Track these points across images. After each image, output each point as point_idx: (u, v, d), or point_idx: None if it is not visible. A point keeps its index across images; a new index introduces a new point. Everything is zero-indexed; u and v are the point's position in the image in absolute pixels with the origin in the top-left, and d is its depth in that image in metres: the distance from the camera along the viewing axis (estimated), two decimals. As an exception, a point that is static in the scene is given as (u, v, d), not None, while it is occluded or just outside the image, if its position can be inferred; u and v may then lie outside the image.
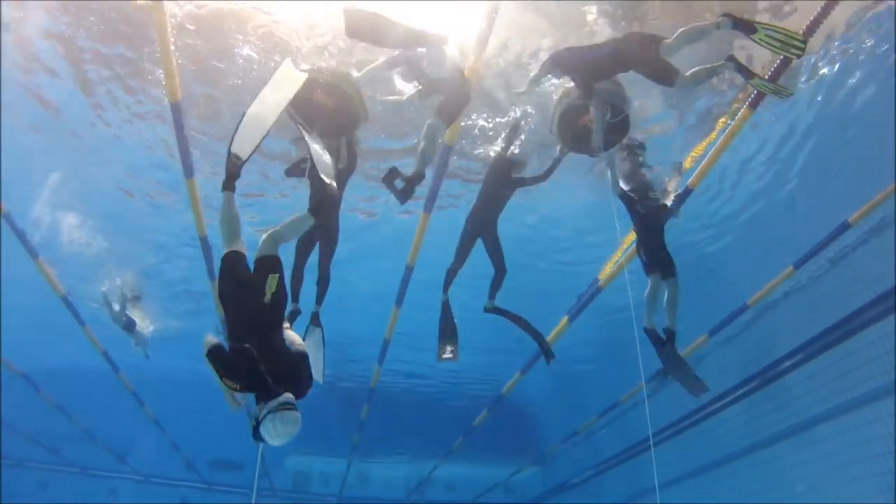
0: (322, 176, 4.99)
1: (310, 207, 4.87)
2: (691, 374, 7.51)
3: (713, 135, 7.16)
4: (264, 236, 4.73)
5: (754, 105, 6.05)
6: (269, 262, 4.67)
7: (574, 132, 6.67)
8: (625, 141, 6.92)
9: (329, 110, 6.25)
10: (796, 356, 9.83)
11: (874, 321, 8.36)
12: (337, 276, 7.22)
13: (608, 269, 8.36)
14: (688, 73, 5.71)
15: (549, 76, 6.48)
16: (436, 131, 5.88)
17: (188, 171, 6.72)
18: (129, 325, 12.28)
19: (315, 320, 7.41)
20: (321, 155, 5.09)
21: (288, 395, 4.11)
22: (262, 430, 4.05)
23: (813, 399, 9.52)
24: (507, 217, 7.66)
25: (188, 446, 19.43)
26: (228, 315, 4.53)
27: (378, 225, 10.64)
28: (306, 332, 7.45)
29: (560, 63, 6.21)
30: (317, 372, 7.47)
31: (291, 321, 7.16)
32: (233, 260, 4.61)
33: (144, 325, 12.74)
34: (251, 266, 4.66)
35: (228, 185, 4.79)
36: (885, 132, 7.86)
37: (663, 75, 5.75)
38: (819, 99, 8.03)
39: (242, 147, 4.85)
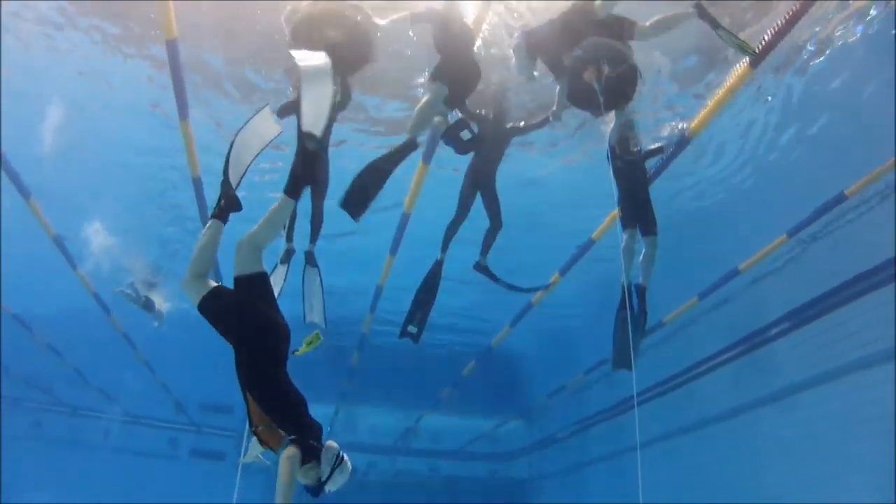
0: (304, 129, 4.20)
1: (285, 187, 4.17)
2: (628, 348, 7.40)
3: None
4: (241, 243, 4.13)
5: (756, 63, 5.94)
6: (257, 282, 4.16)
7: (577, 88, 6.58)
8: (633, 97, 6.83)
9: (340, 46, 6.18)
10: (784, 324, 9.97)
11: (859, 295, 8.48)
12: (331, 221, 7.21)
13: (603, 226, 8.35)
14: (648, 24, 5.67)
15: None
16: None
17: (183, 111, 6.63)
18: (149, 306, 12.88)
19: (310, 259, 7.43)
20: (316, 100, 4.35)
21: (333, 444, 4.04)
22: (330, 487, 4.00)
23: (798, 366, 9.65)
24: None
25: (178, 388, 19.62)
26: (254, 380, 4.02)
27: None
28: (304, 272, 7.48)
29: (528, 45, 6.21)
30: (318, 314, 7.53)
31: (286, 261, 7.20)
32: (227, 302, 4.09)
33: (160, 301, 13.34)
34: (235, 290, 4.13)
35: (222, 214, 4.31)
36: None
37: (619, 30, 5.74)
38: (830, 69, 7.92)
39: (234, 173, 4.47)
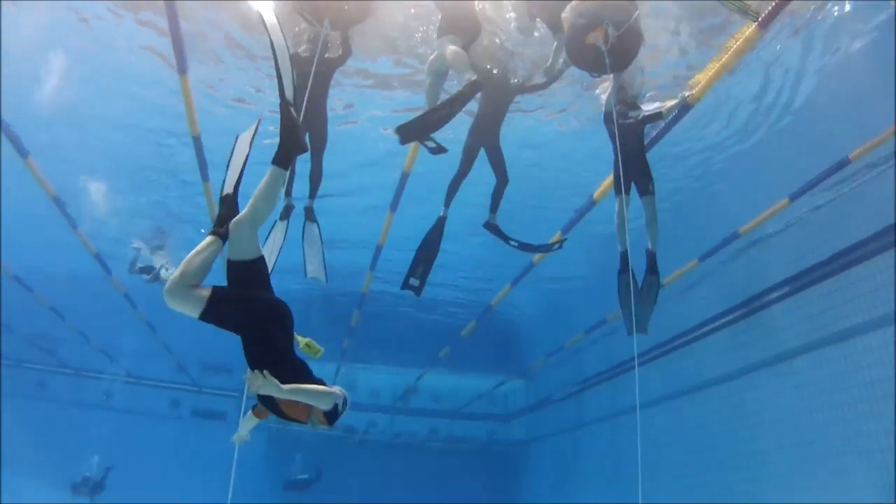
0: (287, 97, 4.11)
1: (275, 157, 4.01)
2: (641, 309, 7.41)
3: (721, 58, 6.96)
4: (240, 224, 3.95)
5: (765, 25, 5.84)
6: (255, 267, 4.07)
7: (582, 51, 6.54)
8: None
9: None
10: (783, 288, 10.01)
11: (857, 262, 8.49)
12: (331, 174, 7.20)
13: (604, 186, 8.33)
14: None
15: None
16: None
17: (182, 67, 6.57)
18: (156, 277, 13.39)
19: (310, 215, 7.43)
20: (287, 65, 4.16)
21: (337, 389, 4.22)
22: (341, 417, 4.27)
23: (796, 330, 9.71)
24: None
25: (179, 349, 19.76)
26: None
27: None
28: (303, 227, 7.50)
29: (529, 4, 6.19)
30: (318, 269, 7.57)
31: (286, 217, 7.21)
32: (229, 304, 3.97)
33: (166, 263, 13.78)
34: (227, 276, 4.05)
35: (226, 236, 4.08)
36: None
37: None
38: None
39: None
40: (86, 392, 21.22)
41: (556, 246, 8.08)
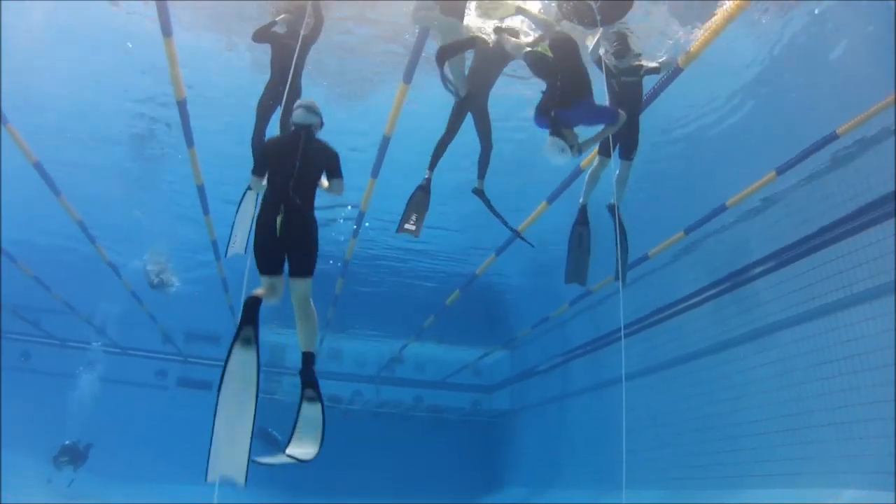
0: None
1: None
2: (584, 263, 7.71)
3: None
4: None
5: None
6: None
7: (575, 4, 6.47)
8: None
9: None
10: (767, 263, 10.08)
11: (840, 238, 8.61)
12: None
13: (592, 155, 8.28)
14: None
15: None
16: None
17: (166, 29, 6.42)
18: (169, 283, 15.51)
19: None
20: None
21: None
22: None
23: (778, 305, 9.81)
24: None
25: (164, 318, 19.66)
26: None
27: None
28: (243, 195, 7.39)
29: None
30: (241, 244, 7.48)
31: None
32: None
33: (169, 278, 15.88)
34: None
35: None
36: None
37: None
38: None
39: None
40: (70, 363, 21.06)
41: (522, 238, 8.09)
